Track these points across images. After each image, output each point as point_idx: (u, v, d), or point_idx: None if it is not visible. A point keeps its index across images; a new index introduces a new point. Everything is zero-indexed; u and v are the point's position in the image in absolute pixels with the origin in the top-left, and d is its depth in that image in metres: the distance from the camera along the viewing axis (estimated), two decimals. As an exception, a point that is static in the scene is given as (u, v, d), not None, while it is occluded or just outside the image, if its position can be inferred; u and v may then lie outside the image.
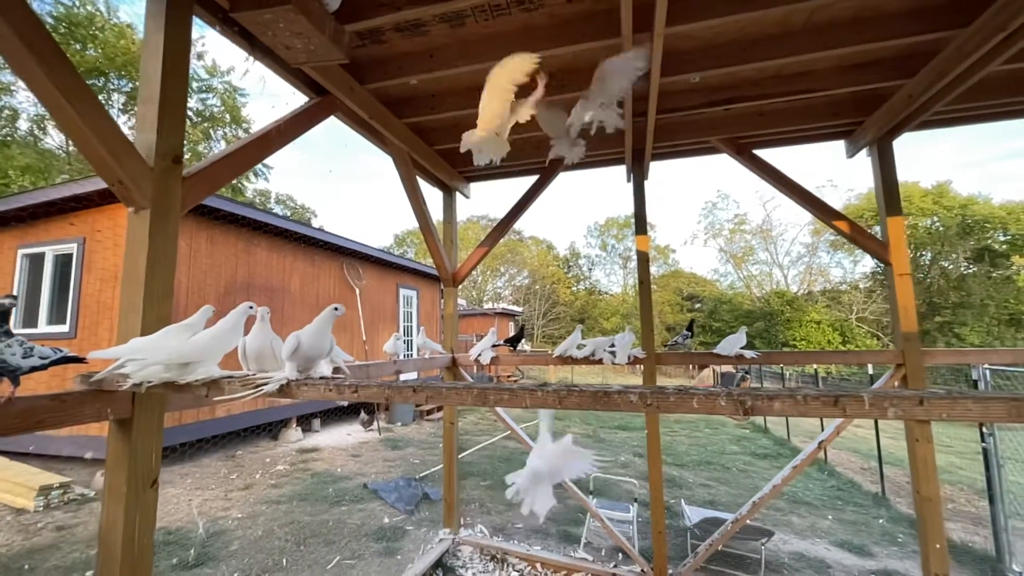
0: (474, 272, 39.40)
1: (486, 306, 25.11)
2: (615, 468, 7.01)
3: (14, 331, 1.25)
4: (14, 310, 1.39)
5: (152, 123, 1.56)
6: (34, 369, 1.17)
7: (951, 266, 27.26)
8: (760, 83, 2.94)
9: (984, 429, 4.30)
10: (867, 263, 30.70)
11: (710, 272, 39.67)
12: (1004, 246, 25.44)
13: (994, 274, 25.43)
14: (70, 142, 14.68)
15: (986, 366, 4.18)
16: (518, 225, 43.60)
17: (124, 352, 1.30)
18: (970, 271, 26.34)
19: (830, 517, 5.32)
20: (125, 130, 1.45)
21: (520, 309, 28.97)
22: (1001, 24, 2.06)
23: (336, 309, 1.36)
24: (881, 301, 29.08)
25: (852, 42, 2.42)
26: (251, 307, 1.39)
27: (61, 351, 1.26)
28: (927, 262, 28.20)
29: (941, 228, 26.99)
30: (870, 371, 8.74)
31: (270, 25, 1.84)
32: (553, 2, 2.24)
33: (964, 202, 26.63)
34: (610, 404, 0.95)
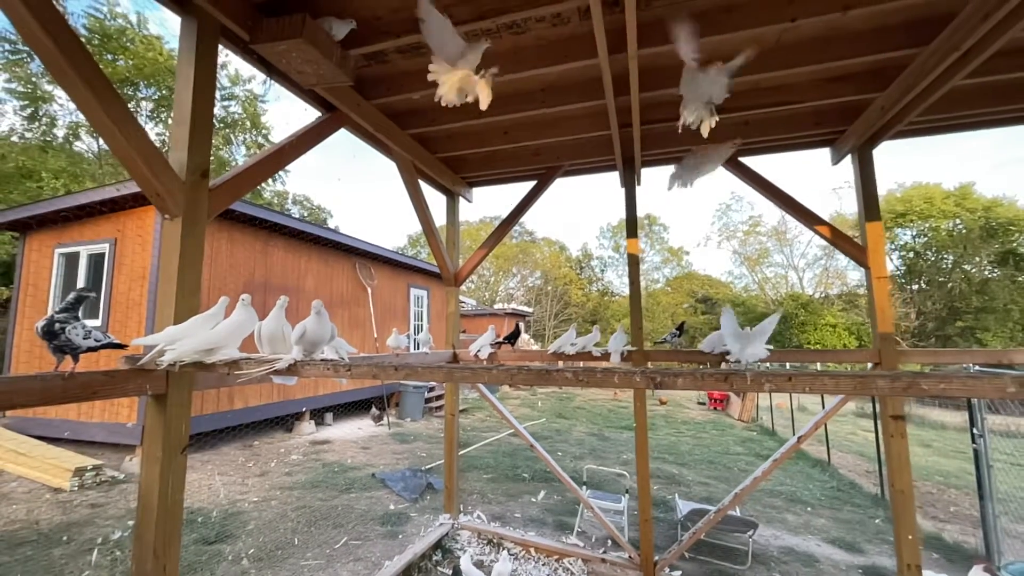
0: (486, 273, 39.57)
1: (496, 306, 25.37)
2: (617, 465, 7.16)
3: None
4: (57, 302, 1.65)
5: (184, 143, 1.82)
6: (90, 349, 1.44)
7: (974, 270, 26.56)
8: (741, 95, 3.10)
9: (975, 431, 4.37)
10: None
11: (724, 274, 39.32)
12: (1030, 249, 24.71)
13: (1019, 278, 24.73)
14: (101, 145, 15.45)
15: (976, 367, 4.24)
16: (531, 226, 43.86)
17: (162, 338, 1.56)
18: (994, 275, 25.64)
19: (826, 516, 5.42)
20: (153, 137, 1.71)
21: (530, 310, 29.17)
22: (956, 44, 2.21)
23: (314, 305, 1.62)
24: (899, 305, 28.49)
25: (822, 59, 2.59)
26: (245, 297, 1.66)
27: (109, 337, 1.52)
28: (948, 266, 27.54)
29: (964, 231, 26.33)
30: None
31: (284, 54, 2.11)
32: (538, 27, 2.45)
33: (988, 204, 25.93)
34: (550, 380, 1.16)
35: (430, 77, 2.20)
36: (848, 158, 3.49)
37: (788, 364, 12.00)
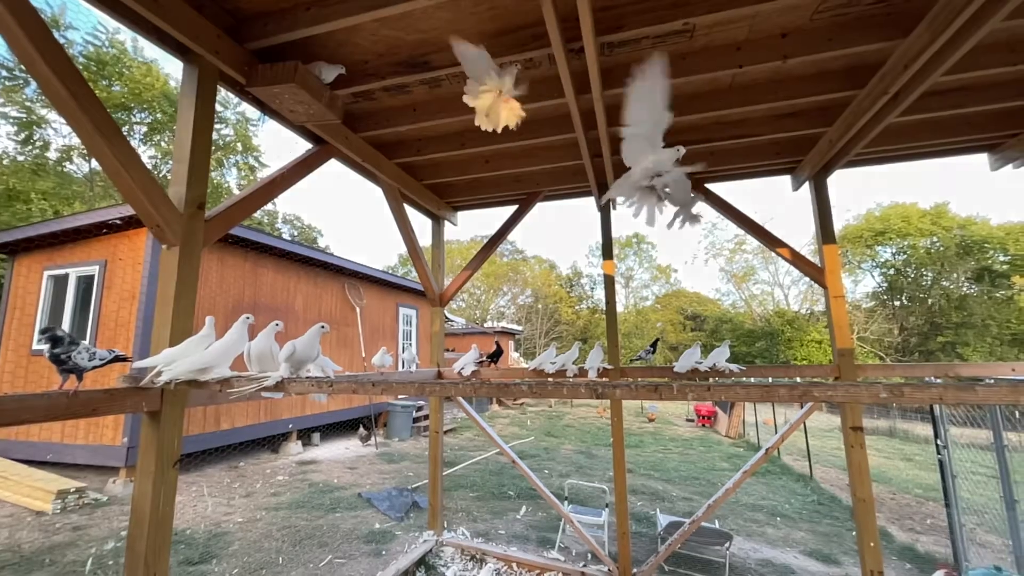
0: (477, 291, 39.60)
1: (486, 325, 25.46)
2: (602, 481, 7.23)
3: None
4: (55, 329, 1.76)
5: (183, 178, 1.99)
6: (95, 368, 1.57)
7: (952, 286, 27.34)
8: (704, 128, 3.36)
9: (939, 442, 4.56)
10: (868, 283, 30.81)
11: (712, 292, 39.92)
12: (1005, 266, 25.56)
13: (996, 294, 25.50)
14: (92, 166, 15.58)
15: (938, 380, 4.46)
16: (521, 244, 44.30)
17: (160, 360, 1.69)
18: (971, 291, 26.41)
19: (805, 529, 5.53)
20: (146, 159, 1.87)
21: (520, 328, 29.27)
22: (884, 88, 2.48)
23: (323, 327, 1.76)
24: (882, 321, 29.09)
25: (773, 99, 2.85)
26: (248, 317, 1.80)
27: (114, 352, 1.65)
28: (928, 282, 28.31)
29: (941, 248, 27.20)
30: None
31: (277, 96, 2.30)
32: (513, 70, 2.68)
33: (962, 223, 26.90)
34: (508, 392, 1.32)
35: (466, 100, 2.30)
36: (806, 185, 3.75)
37: (771, 378, 12.29)
